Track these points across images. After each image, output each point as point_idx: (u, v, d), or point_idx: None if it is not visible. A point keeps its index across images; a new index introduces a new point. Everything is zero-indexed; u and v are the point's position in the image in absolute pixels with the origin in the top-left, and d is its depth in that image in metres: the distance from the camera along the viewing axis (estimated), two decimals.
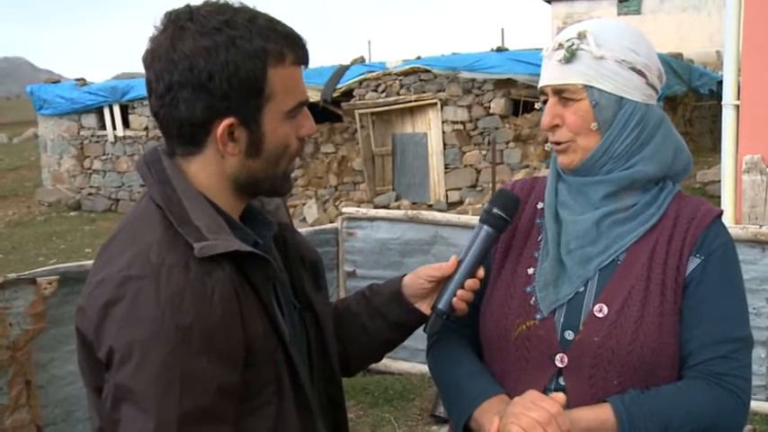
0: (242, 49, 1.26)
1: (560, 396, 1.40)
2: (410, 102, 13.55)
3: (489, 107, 12.90)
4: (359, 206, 10.62)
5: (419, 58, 13.94)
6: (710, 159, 12.07)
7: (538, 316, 1.54)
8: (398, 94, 13.66)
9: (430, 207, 12.78)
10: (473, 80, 12.87)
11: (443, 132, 13.38)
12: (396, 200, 13.80)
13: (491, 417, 1.46)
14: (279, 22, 1.33)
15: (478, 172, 13.16)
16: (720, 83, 14.55)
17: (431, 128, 13.60)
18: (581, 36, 1.52)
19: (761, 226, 4.63)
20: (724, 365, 1.47)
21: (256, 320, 1.30)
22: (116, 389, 1.20)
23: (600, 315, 1.49)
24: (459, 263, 1.57)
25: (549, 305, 1.54)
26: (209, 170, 1.33)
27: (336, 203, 13.80)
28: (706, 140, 15.60)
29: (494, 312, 1.60)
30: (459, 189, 13.33)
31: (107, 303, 1.21)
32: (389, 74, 13.64)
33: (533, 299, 1.56)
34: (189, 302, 1.19)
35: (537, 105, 1.60)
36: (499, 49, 13.92)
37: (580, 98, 1.52)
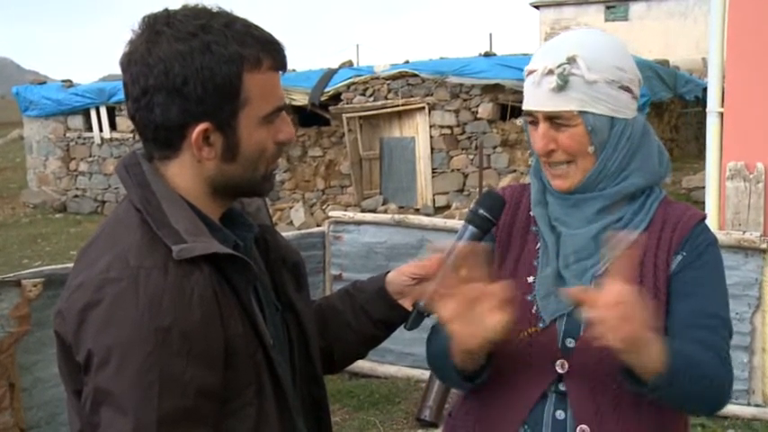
0: (217, 54, 1.26)
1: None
2: (398, 106, 13.56)
3: (477, 112, 12.93)
4: (346, 210, 10.62)
5: (407, 62, 13.96)
6: (696, 166, 12.14)
7: (540, 324, 1.55)
8: (386, 98, 13.68)
9: (417, 211, 12.79)
10: (461, 85, 12.90)
11: (431, 137, 13.40)
12: (383, 204, 13.80)
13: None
14: (256, 28, 1.32)
15: (465, 176, 13.18)
16: (706, 89, 14.66)
17: (418, 132, 13.61)
18: (571, 61, 1.50)
19: (744, 232, 4.66)
20: (706, 334, 1.49)
21: (236, 322, 1.30)
22: (95, 392, 1.20)
23: None
24: (445, 260, 1.58)
25: (550, 314, 1.55)
26: (186, 174, 1.34)
27: (323, 207, 13.78)
28: (692, 147, 15.69)
29: None
30: (447, 193, 13.35)
31: (85, 307, 1.21)
32: (377, 78, 13.65)
33: (534, 308, 1.57)
34: (168, 305, 1.20)
35: (518, 122, 1.63)
36: (487, 54, 13.99)
37: (575, 124, 1.52)
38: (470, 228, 1.59)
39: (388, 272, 1.67)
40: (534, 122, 1.58)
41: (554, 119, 1.53)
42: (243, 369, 1.30)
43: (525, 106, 1.59)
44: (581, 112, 1.51)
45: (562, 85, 1.50)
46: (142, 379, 1.17)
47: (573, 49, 1.52)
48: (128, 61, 1.29)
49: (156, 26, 1.28)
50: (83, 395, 1.24)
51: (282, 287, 1.49)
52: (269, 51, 1.32)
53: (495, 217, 1.60)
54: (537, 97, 1.55)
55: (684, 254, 1.55)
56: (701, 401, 1.50)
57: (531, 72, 1.56)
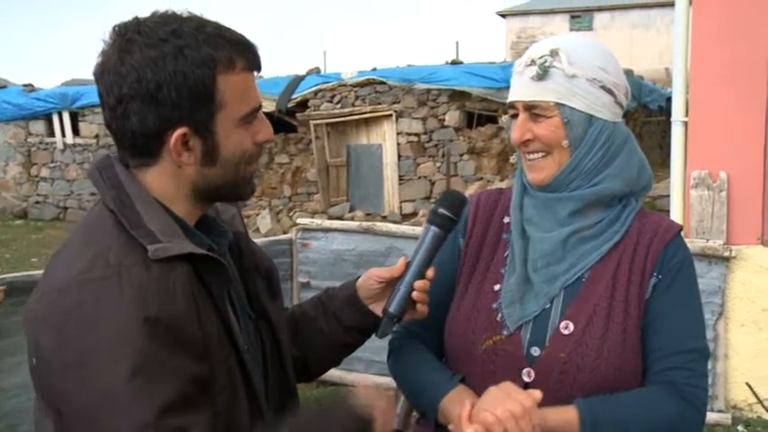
0: (189, 57, 1.26)
1: (537, 392, 1.42)
2: (365, 113, 13.58)
3: (444, 119, 12.99)
4: (313, 217, 10.59)
5: (374, 69, 13.98)
6: (660, 174, 12.24)
7: (505, 332, 1.56)
8: (353, 105, 13.68)
9: (384, 218, 12.79)
10: (428, 92, 12.95)
11: (398, 144, 13.43)
12: (350, 211, 13.78)
13: (460, 403, 1.48)
14: (227, 30, 1.33)
15: (432, 184, 13.23)
16: (669, 99, 14.84)
17: (385, 139, 13.64)
18: (553, 53, 1.54)
19: (708, 240, 4.73)
20: (678, 375, 1.51)
21: (213, 323, 1.30)
22: (100, 393, 1.17)
23: (566, 332, 1.52)
24: (409, 264, 1.58)
25: (515, 322, 1.56)
26: (164, 180, 1.34)
27: (290, 214, 13.73)
28: (655, 155, 15.87)
29: (459, 327, 1.62)
30: (414, 201, 13.38)
31: (70, 308, 1.20)
32: (345, 85, 13.66)
33: (499, 315, 1.58)
34: (153, 297, 1.20)
35: (504, 118, 1.65)
36: (454, 62, 14.05)
37: (552, 115, 1.54)
38: (432, 228, 1.58)
39: (359, 277, 1.66)
40: (515, 114, 1.59)
41: (532, 109, 1.55)
42: (217, 373, 1.29)
43: (508, 99, 1.61)
44: (558, 104, 1.53)
45: (542, 75, 1.53)
46: (137, 373, 1.16)
47: (557, 44, 1.56)
48: (101, 71, 1.29)
49: (126, 35, 1.28)
50: (75, 399, 1.20)
51: (255, 295, 1.49)
52: (241, 52, 1.32)
53: (456, 215, 1.59)
54: (518, 88, 1.58)
55: (660, 277, 1.56)
56: None
57: (516, 66, 1.60)
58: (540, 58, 1.54)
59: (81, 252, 1.26)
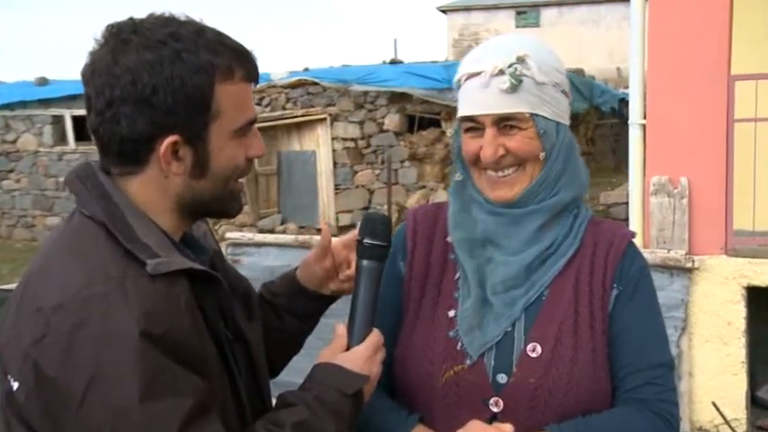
0: (188, 62, 1.28)
1: (508, 426, 1.43)
2: (297, 117, 13.54)
3: (383, 123, 13.04)
4: (241, 230, 10.49)
5: (307, 69, 14.00)
6: (614, 180, 12.47)
7: (468, 361, 1.55)
8: (284, 108, 13.63)
9: (319, 231, 12.74)
10: (365, 94, 12.98)
11: (333, 150, 13.42)
12: (281, 223, 13.71)
13: None
14: (227, 37, 1.36)
15: (371, 193, 13.25)
16: (622, 100, 15.12)
17: (320, 145, 13.62)
18: (521, 60, 1.52)
19: (669, 250, 4.82)
20: (649, 391, 1.53)
21: (208, 340, 1.33)
22: (114, 414, 1.18)
23: (534, 355, 1.52)
24: (354, 304, 1.54)
25: (477, 349, 1.55)
26: (149, 190, 1.35)
27: (216, 227, 13.58)
28: (608, 161, 16.18)
29: (414, 358, 1.59)
30: (351, 211, 13.37)
31: (75, 326, 1.19)
32: (274, 86, 13.60)
33: (459, 344, 1.56)
34: (161, 311, 1.22)
35: (449, 132, 1.63)
36: (393, 62, 14.13)
37: (526, 127, 1.53)
38: (365, 263, 1.55)
39: (295, 269, 1.72)
40: (474, 129, 1.57)
41: (504, 122, 1.53)
42: (213, 389, 1.31)
43: (469, 112, 1.56)
44: (532, 115, 1.53)
45: (516, 85, 1.51)
46: (154, 388, 1.18)
47: (522, 49, 1.54)
48: (91, 72, 1.31)
49: (121, 35, 1.30)
50: (87, 421, 1.19)
51: (232, 316, 1.49)
52: (241, 62, 1.36)
53: (385, 239, 1.56)
54: (485, 100, 1.54)
55: (621, 288, 1.58)
56: None
57: (473, 75, 1.55)
58: (510, 67, 1.51)
59: (72, 267, 1.26)
